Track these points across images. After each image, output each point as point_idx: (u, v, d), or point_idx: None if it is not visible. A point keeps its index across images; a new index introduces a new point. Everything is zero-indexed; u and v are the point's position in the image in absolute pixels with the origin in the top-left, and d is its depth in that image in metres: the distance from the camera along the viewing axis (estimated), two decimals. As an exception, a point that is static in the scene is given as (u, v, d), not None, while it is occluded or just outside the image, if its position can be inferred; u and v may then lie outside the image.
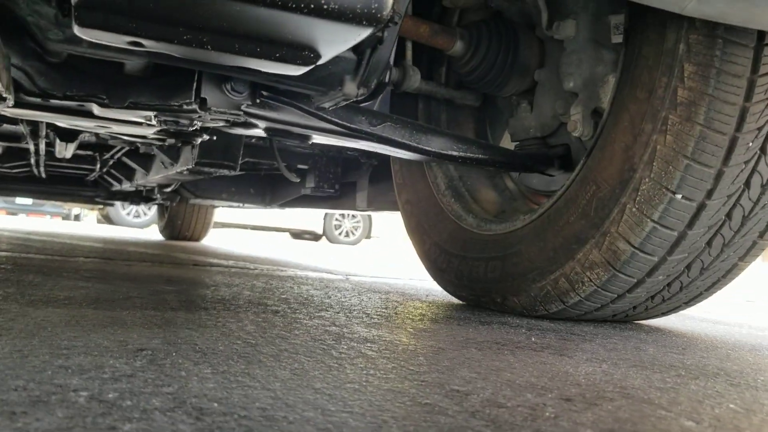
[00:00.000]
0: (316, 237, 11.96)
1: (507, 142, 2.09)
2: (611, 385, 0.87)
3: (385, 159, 2.74)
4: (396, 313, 1.53)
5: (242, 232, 12.54)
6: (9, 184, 5.70)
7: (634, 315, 1.69)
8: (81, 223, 13.85)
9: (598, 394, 0.81)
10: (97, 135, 2.93)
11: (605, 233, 1.45)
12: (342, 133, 1.73)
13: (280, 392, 0.67)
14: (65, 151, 3.25)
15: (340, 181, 3.05)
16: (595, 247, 1.47)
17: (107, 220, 12.24)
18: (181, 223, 5.86)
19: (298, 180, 2.94)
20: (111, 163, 3.83)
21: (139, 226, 11.56)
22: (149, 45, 1.12)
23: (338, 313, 1.42)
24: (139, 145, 2.71)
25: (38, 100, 1.65)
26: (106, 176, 4.89)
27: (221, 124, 1.71)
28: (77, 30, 1.08)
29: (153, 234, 7.91)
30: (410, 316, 1.50)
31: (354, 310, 1.52)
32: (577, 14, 1.66)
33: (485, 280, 1.76)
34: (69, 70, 1.61)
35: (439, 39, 1.81)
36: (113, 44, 1.18)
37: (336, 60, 1.33)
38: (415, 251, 2.14)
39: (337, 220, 11.37)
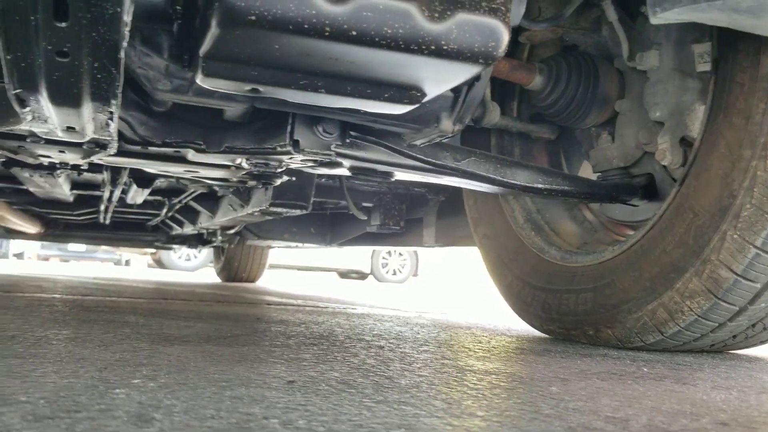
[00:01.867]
0: (362, 276, 11.99)
1: (583, 173, 2.09)
2: (754, 410, 0.86)
3: (454, 194, 2.77)
4: (494, 347, 1.53)
5: (289, 273, 12.65)
6: (73, 231, 5.88)
7: (733, 344, 1.66)
8: (134, 268, 14.13)
9: (748, 418, 0.80)
10: (170, 180, 3.03)
11: (705, 261, 1.44)
12: (427, 170, 1.76)
13: (454, 420, 0.68)
14: (138, 197, 3.36)
15: (405, 218, 3.07)
16: (695, 275, 1.46)
17: (159, 264, 12.49)
18: (237, 265, 5.95)
19: (366, 218, 2.99)
20: (177, 207, 3.94)
21: (189, 269, 11.74)
22: (266, 91, 1.17)
23: (439, 347, 1.43)
24: (216, 188, 2.78)
25: (138, 148, 1.73)
26: (168, 220, 5.03)
27: (309, 164, 1.76)
28: (200, 79, 1.14)
29: (208, 276, 8.03)
30: (510, 350, 1.50)
31: (452, 344, 1.53)
32: (660, 44, 1.67)
33: (575, 313, 1.75)
34: (169, 119, 1.69)
35: (518, 74, 1.84)
36: (230, 91, 1.24)
37: (435, 98, 1.37)
38: (495, 286, 2.14)
39: (384, 258, 11.40)
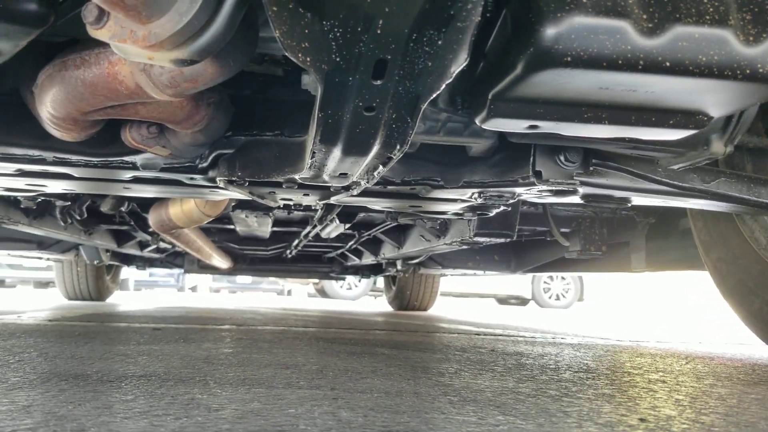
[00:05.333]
0: (523, 301, 11.75)
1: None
2: None
3: (664, 216, 2.64)
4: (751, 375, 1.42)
5: (445, 300, 12.68)
6: (258, 265, 6.27)
7: None
8: (297, 298, 14.83)
9: None
10: (369, 214, 3.15)
11: None
12: (671, 193, 1.69)
13: None
14: (335, 231, 3.53)
15: (607, 242, 2.97)
16: None
17: (321, 293, 13.01)
18: (410, 294, 6.05)
19: (568, 244, 2.92)
20: (362, 239, 4.08)
21: (351, 298, 12.11)
22: (544, 127, 1.18)
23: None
24: (426, 220, 2.85)
25: (378, 187, 1.82)
26: (347, 252, 5.23)
27: (545, 194, 1.75)
28: (481, 119, 1.17)
29: (374, 305, 8.24)
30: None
31: (700, 375, 1.44)
32: None
33: None
34: (408, 157, 1.76)
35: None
36: (505, 130, 1.27)
37: (708, 121, 1.31)
38: (735, 312, 2.00)
39: (545, 282, 11.11)
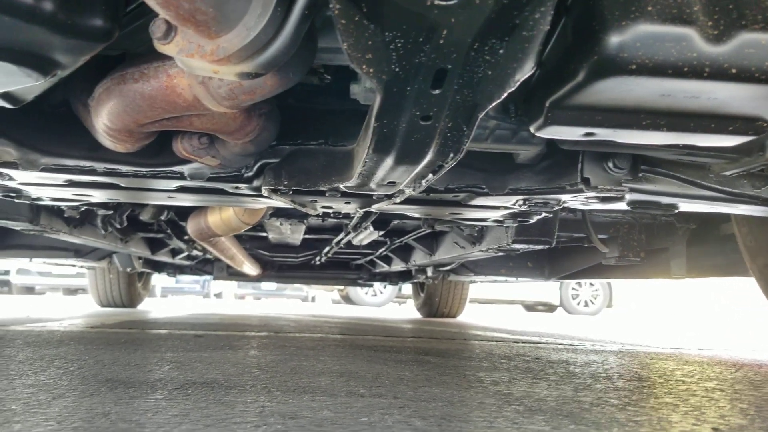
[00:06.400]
0: (551, 308, 11.64)
1: None
2: None
3: (705, 222, 2.61)
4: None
5: (474, 306, 12.61)
6: (286, 272, 6.29)
7: None
8: (321, 304, 14.86)
9: None
10: (403, 221, 3.15)
11: None
12: (720, 199, 1.67)
13: None
14: (367, 239, 3.53)
15: (645, 248, 2.94)
16: None
17: (346, 300, 13.01)
18: (438, 301, 6.03)
19: (607, 250, 2.90)
20: (394, 246, 4.07)
21: (376, 305, 12.09)
22: (601, 134, 1.17)
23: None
24: (463, 227, 2.84)
25: (421, 195, 1.82)
26: (376, 259, 5.22)
27: (592, 201, 1.74)
28: (536, 127, 1.17)
29: (401, 312, 8.23)
30: None
31: (755, 383, 1.41)
32: None
33: None
34: (454, 165, 1.76)
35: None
36: (559, 137, 1.26)
37: (762, 126, 1.30)
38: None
39: (573, 289, 11.00)
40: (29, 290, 15.19)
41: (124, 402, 0.88)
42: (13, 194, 1.96)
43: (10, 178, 1.72)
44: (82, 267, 5.52)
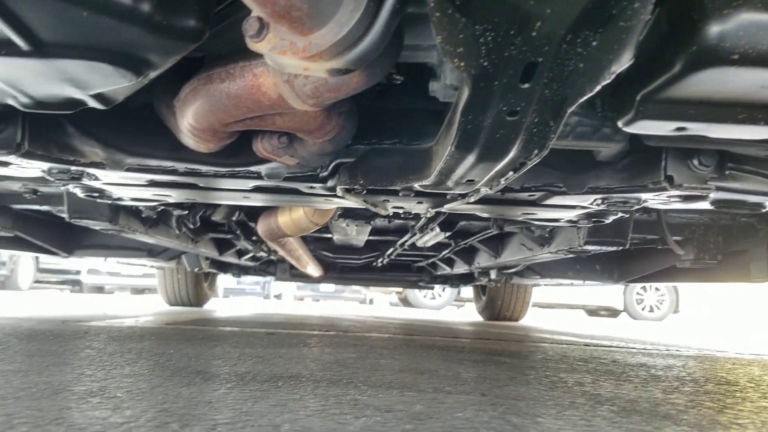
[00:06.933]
0: (614, 313, 11.34)
1: None
2: None
3: (790, 223, 2.49)
4: None
5: (534, 311, 12.39)
6: (347, 273, 6.33)
7: None
8: (385, 307, 14.90)
9: None
10: (470, 222, 3.12)
11: None
12: (814, 198, 1.59)
13: None
14: (432, 240, 3.51)
15: (722, 251, 2.83)
16: None
17: (404, 302, 13.02)
18: (501, 304, 5.97)
19: (683, 252, 2.80)
20: (457, 248, 4.04)
21: (435, 307, 12.04)
22: (693, 128, 1.14)
23: None
24: (534, 228, 2.80)
25: (496, 194, 1.80)
26: (438, 261, 5.20)
27: (674, 200, 1.69)
28: (625, 123, 1.14)
29: (461, 315, 8.17)
30: None
31: None
32: None
33: None
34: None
35: None
36: (648, 132, 1.23)
37: None
38: None
39: (638, 294, 10.69)
40: (99, 289, 15.79)
41: (221, 393, 0.90)
42: (96, 194, 2.03)
43: (96, 178, 1.78)
44: (152, 267, 5.70)
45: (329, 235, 3.83)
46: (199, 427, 0.65)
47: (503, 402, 0.91)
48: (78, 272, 14.65)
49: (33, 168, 1.64)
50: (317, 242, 4.58)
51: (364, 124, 1.60)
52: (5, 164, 1.61)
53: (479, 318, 6.50)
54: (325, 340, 2.10)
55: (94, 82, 1.13)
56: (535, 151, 1.18)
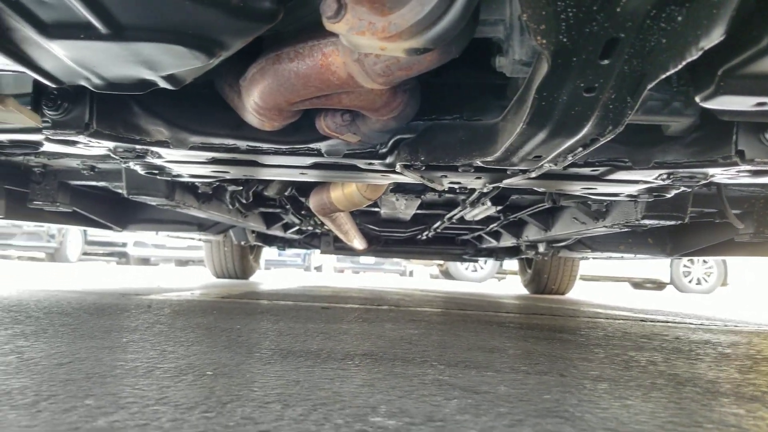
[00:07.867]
0: (660, 286, 11.16)
1: None
2: None
3: None
4: None
5: (578, 283, 12.24)
6: (392, 246, 6.34)
7: None
8: (425, 279, 14.94)
9: None
10: (520, 194, 3.08)
11: None
12: None
13: None
14: (482, 214, 3.48)
15: (785, 225, 2.75)
16: None
17: (445, 275, 13.03)
18: (547, 277, 5.92)
19: (742, 226, 2.73)
20: (506, 221, 4.01)
21: (477, 280, 12.01)
22: (772, 103, 1.10)
23: None
24: (591, 202, 2.75)
25: (558, 169, 1.77)
26: (484, 234, 5.17)
27: (743, 174, 1.64)
28: (703, 97, 1.11)
29: (505, 288, 8.15)
30: None
31: None
32: None
33: None
34: (591, 139, 1.70)
35: None
36: (727, 108, 1.19)
37: None
38: None
39: (685, 266, 10.49)
40: (144, 261, 16.20)
41: (303, 371, 0.92)
42: (156, 171, 2.06)
43: (159, 156, 1.81)
44: (200, 240, 5.82)
45: (376, 209, 3.84)
46: (300, 408, 0.67)
47: (585, 383, 0.91)
48: (124, 244, 15.03)
49: (99, 147, 1.67)
50: (363, 215, 4.60)
51: (424, 99, 1.59)
52: (73, 143, 1.65)
53: (524, 291, 6.47)
54: (382, 315, 2.12)
55: (167, 63, 1.15)
56: (610, 128, 1.16)
